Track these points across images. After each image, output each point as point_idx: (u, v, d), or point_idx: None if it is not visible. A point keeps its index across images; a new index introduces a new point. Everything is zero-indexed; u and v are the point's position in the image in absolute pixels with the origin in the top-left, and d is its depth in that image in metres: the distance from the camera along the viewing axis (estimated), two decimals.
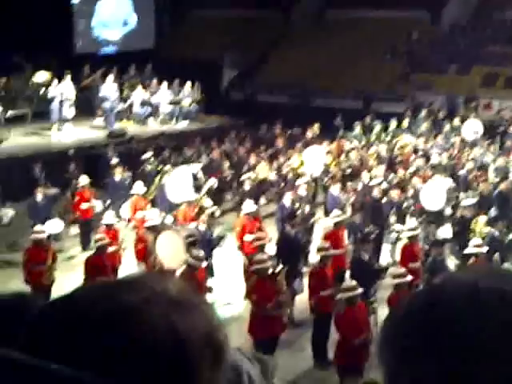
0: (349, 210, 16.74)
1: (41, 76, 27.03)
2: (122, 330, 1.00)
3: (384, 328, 1.11)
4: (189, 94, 26.86)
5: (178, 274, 12.97)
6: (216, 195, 19.04)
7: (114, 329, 1.00)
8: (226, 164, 20.97)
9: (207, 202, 17.26)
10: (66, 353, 0.99)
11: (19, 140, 23.00)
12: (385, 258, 16.06)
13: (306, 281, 12.99)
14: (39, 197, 16.70)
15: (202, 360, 1.03)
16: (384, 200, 16.87)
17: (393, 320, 1.11)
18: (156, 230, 14.35)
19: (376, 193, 16.91)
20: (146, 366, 0.99)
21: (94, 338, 1.00)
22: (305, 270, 14.07)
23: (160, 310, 1.03)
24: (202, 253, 12.69)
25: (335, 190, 17.46)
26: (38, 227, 14.10)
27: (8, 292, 2.22)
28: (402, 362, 1.04)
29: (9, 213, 17.15)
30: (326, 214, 17.38)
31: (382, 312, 11.88)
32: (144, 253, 14.13)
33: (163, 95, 26.17)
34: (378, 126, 24.89)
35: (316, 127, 23.96)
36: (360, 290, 10.85)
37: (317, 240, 15.47)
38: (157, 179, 18.75)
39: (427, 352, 1.02)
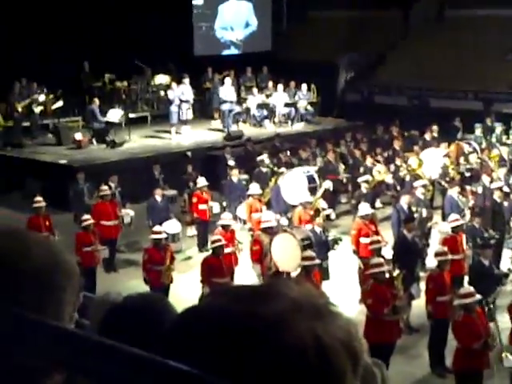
0: (468, 214, 16.32)
1: (160, 79, 27.72)
2: (268, 342, 0.99)
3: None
4: (305, 96, 26.88)
5: (293, 276, 13.01)
6: (331, 198, 18.98)
7: (258, 341, 1.00)
8: (342, 166, 20.86)
9: (322, 204, 17.20)
10: (206, 365, 0.99)
11: (139, 142, 23.60)
12: (505, 264, 15.57)
13: (423, 286, 12.77)
14: (158, 198, 17.06)
15: (346, 367, 1.04)
16: (505, 204, 16.38)
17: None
18: (272, 231, 14.40)
19: (496, 196, 16.44)
20: (295, 375, 1.00)
21: (237, 350, 1.00)
22: (422, 274, 13.84)
23: (303, 320, 1.03)
24: (314, 254, 12.66)
25: (454, 193, 17.07)
26: (157, 228, 14.39)
27: (134, 293, 2.26)
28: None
29: (129, 213, 17.60)
30: (444, 217, 17.03)
31: (502, 319, 11.54)
32: (259, 254, 14.19)
33: (279, 97, 26.28)
34: (499, 128, 24.22)
35: (434, 129, 23.49)
36: (478, 297, 10.56)
37: (434, 244, 15.18)
38: (272, 181, 18.83)
39: None
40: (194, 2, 31.15)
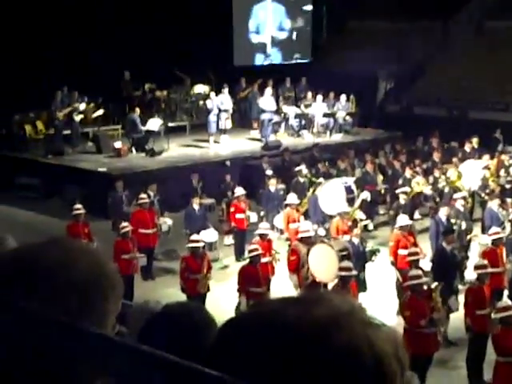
0: (508, 227, 16.12)
1: (200, 89, 27.87)
2: (324, 342, 1.01)
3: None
4: (344, 107, 26.83)
5: (330, 287, 12.97)
6: (369, 209, 18.90)
7: (315, 342, 1.01)
8: (380, 177, 20.76)
9: (360, 215, 17.13)
10: (259, 370, 1.00)
11: (178, 151, 23.73)
12: None
13: (461, 299, 12.65)
14: (196, 207, 17.13)
15: (396, 374, 1.07)
16: None
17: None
18: (309, 242, 14.36)
19: None
20: (351, 376, 1.02)
21: (293, 352, 1.02)
22: (461, 287, 13.71)
23: (357, 326, 1.05)
24: (351, 265, 12.61)
25: (494, 205, 16.88)
26: (194, 236, 14.44)
27: (173, 302, 2.27)
28: None
29: (167, 222, 17.69)
30: (484, 230, 16.85)
31: None
32: (296, 264, 14.16)
33: (318, 107, 26.26)
34: None
35: (474, 141, 23.25)
36: None
37: (474, 257, 15.03)
38: (310, 191, 18.81)
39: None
40: (234, 12, 31.25)
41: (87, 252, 1.50)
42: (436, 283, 11.98)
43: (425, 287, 11.70)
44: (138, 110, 23.54)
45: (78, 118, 23.62)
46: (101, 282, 1.44)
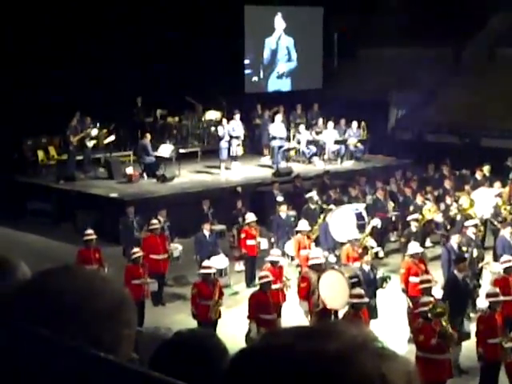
0: None
1: (211, 115, 27.98)
2: (336, 379, 1.00)
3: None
4: (355, 134, 26.87)
5: (341, 314, 12.92)
6: (380, 236, 18.85)
7: (326, 378, 1.00)
8: (391, 204, 20.72)
9: (371, 242, 17.09)
10: None
11: (189, 177, 23.79)
12: None
13: (473, 327, 12.56)
14: (206, 233, 17.12)
15: None
16: None
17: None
18: (320, 268, 14.33)
19: None
20: None
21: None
22: (472, 315, 13.62)
23: (368, 358, 1.05)
24: (363, 292, 12.56)
25: (506, 233, 16.80)
26: (206, 262, 14.44)
27: (184, 329, 2.27)
28: None
29: (178, 248, 17.69)
30: (496, 258, 16.77)
31: None
32: (307, 291, 14.11)
33: (329, 134, 26.32)
34: None
35: (486, 168, 23.18)
36: None
37: (485, 285, 14.95)
38: (321, 218, 18.78)
39: None
40: (246, 40, 31.45)
41: (108, 281, 1.51)
42: (440, 309, 11.84)
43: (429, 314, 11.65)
44: (148, 135, 23.63)
45: (90, 143, 23.73)
46: (124, 309, 1.45)
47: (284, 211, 18.91)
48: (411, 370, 1.10)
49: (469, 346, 12.71)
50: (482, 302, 13.50)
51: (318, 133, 26.72)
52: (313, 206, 19.54)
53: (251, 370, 1.06)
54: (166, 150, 23.77)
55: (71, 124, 23.33)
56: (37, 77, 23.33)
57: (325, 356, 1.02)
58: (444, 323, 11.58)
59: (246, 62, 31.89)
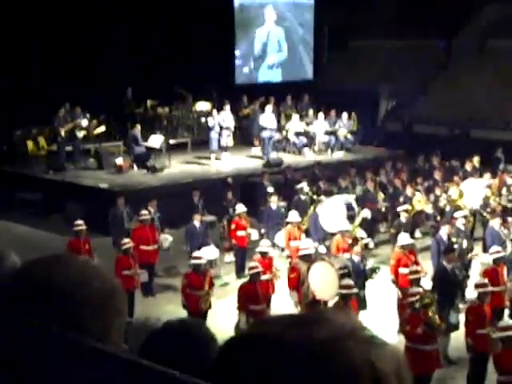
0: (509, 246, 16.12)
1: (201, 106, 27.94)
2: (325, 366, 1.01)
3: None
4: (345, 125, 26.88)
5: (330, 305, 12.94)
6: (370, 227, 18.88)
7: (315, 365, 1.01)
8: (381, 195, 20.76)
9: (361, 233, 17.11)
10: None
11: (179, 168, 23.77)
12: None
13: (462, 317, 12.62)
14: (197, 223, 17.12)
15: None
16: None
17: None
18: (309, 259, 14.34)
19: None
20: None
21: (293, 374, 1.01)
22: (461, 306, 13.67)
23: (357, 345, 1.06)
24: (352, 282, 12.60)
25: (495, 224, 16.87)
26: (196, 253, 14.43)
27: (173, 318, 2.28)
28: None
29: (168, 238, 17.68)
30: (485, 249, 16.83)
31: None
32: (297, 282, 14.13)
33: (319, 125, 26.32)
34: None
35: (476, 160, 23.28)
36: None
37: (474, 276, 15.02)
38: (311, 209, 18.80)
39: None
40: (236, 30, 31.40)
41: (99, 270, 1.51)
42: (427, 300, 11.87)
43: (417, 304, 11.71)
44: (138, 126, 23.56)
45: (80, 134, 23.64)
46: (114, 297, 1.46)
47: (274, 202, 18.92)
48: (400, 358, 1.11)
49: (457, 337, 12.77)
50: (471, 293, 13.56)
51: (308, 124, 26.72)
52: (303, 197, 19.55)
53: (240, 357, 1.06)
54: (156, 140, 23.73)
55: (58, 115, 23.21)
56: (26, 67, 23.25)
57: (313, 344, 1.03)
58: (431, 313, 11.62)
59: (237, 53, 31.88)
